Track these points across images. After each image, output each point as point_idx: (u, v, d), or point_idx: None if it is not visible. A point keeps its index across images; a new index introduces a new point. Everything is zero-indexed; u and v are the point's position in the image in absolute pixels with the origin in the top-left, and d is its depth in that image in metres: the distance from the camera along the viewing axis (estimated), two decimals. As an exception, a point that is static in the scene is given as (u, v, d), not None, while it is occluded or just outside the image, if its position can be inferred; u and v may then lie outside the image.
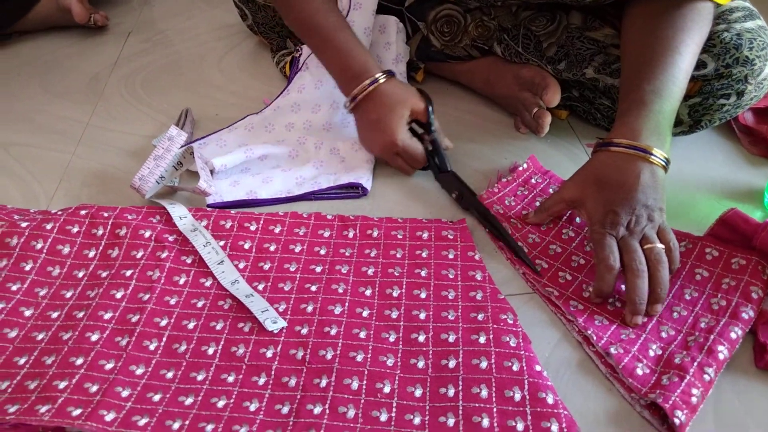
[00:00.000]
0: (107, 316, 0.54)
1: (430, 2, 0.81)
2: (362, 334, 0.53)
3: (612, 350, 0.52)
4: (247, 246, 0.62)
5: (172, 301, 0.57)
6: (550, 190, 0.69)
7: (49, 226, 0.62)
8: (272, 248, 0.62)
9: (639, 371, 0.50)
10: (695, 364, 0.50)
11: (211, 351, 0.52)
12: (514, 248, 0.61)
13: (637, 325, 0.54)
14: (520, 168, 0.71)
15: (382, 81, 0.68)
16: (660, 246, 0.55)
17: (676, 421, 0.46)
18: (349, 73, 0.69)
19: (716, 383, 0.50)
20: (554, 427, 0.46)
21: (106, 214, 0.64)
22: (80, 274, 0.59)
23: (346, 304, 0.56)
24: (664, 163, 0.57)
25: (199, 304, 0.57)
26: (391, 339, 0.53)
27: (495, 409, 0.47)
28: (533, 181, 0.70)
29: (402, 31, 0.83)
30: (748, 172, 0.72)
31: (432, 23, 0.82)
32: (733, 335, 0.53)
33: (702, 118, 0.70)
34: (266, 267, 0.60)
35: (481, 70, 0.82)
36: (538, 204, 0.67)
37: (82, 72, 0.95)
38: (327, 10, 0.71)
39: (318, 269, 0.60)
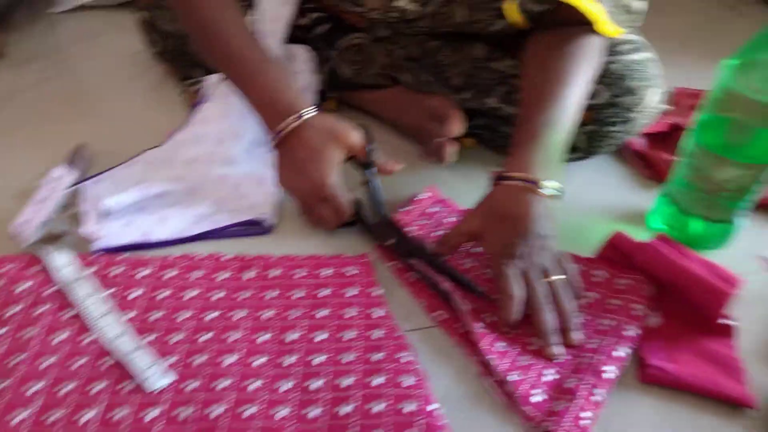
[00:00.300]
0: (-27, 381, 0.50)
1: (340, 31, 0.81)
2: (256, 385, 0.51)
3: (510, 377, 0.52)
4: (136, 294, 0.59)
5: (48, 363, 0.52)
6: (450, 219, 0.69)
7: None
8: (164, 295, 0.59)
9: (534, 398, 0.51)
10: (585, 386, 0.51)
11: (85, 419, 0.49)
12: (470, 286, 0.59)
13: (557, 357, 0.54)
14: (419, 197, 0.71)
15: (310, 115, 0.64)
16: (560, 277, 0.57)
17: None
18: (274, 108, 0.65)
19: (607, 402, 0.51)
20: (447, 473, 0.45)
21: (-19, 265, 0.59)
22: (-52, 334, 0.54)
23: (240, 353, 0.54)
24: (555, 194, 0.59)
25: (78, 365, 0.52)
26: (286, 388, 0.51)
27: (389, 457, 0.46)
28: (433, 210, 0.71)
29: (312, 60, 0.82)
30: (640, 195, 0.75)
31: (341, 52, 0.81)
32: (619, 354, 0.54)
33: (596, 145, 0.72)
34: (157, 316, 0.57)
35: (389, 100, 0.82)
36: (437, 233, 0.67)
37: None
38: (251, 44, 0.67)
39: (212, 316, 0.57)
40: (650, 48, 0.73)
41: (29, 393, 0.50)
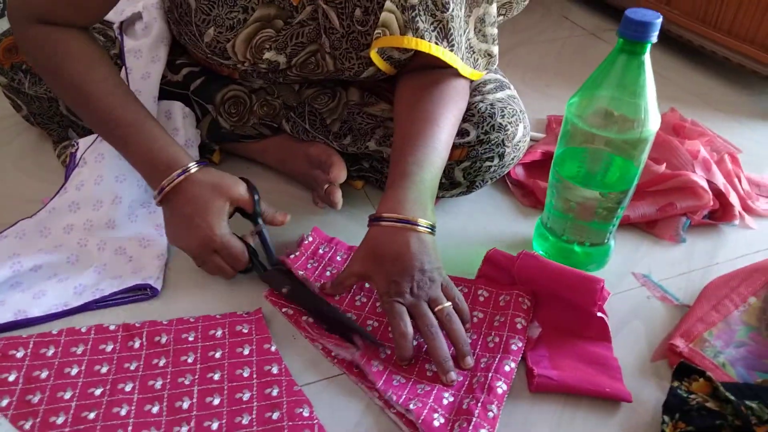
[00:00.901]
0: None
1: (215, 84, 0.81)
2: (147, 461, 0.49)
3: (411, 406, 0.53)
4: (12, 378, 0.55)
5: None
6: (338, 258, 0.71)
7: None
8: (44, 375, 0.56)
9: (436, 422, 0.53)
10: (479, 404, 0.54)
11: None
12: (362, 333, 0.60)
13: (454, 381, 0.56)
14: (306, 241, 0.72)
15: (193, 171, 0.64)
16: (447, 304, 0.59)
17: None
18: (156, 166, 0.64)
19: (501, 416, 0.54)
20: None
21: None
22: None
23: (129, 428, 0.52)
24: (429, 230, 0.61)
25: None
26: (180, 459, 0.50)
27: None
28: (321, 251, 0.72)
29: (189, 115, 0.81)
30: (522, 222, 0.80)
31: (219, 105, 0.81)
32: (507, 368, 0.58)
33: (475, 179, 0.76)
34: (35, 400, 0.54)
35: (273, 150, 0.83)
36: (328, 273, 0.69)
37: None
38: (125, 102, 0.66)
39: (98, 392, 0.55)
40: (511, 86, 0.79)
41: None
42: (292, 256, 0.69)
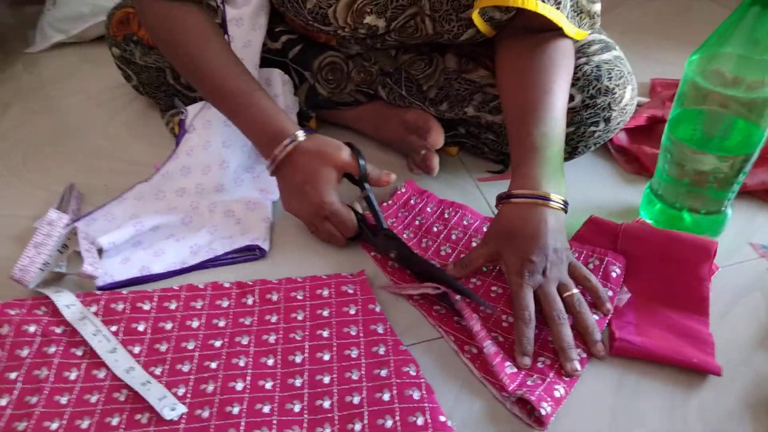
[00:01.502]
0: (-10, 427, 0.51)
1: (312, 51, 0.82)
2: (266, 409, 0.53)
3: (486, 349, 0.55)
4: (141, 328, 0.60)
5: (64, 400, 0.54)
6: (428, 209, 0.73)
7: None
8: (169, 327, 0.60)
9: (508, 369, 0.54)
10: (556, 365, 0.55)
11: (107, 451, 0.50)
12: (467, 294, 0.59)
13: (577, 371, 0.55)
14: (399, 192, 0.74)
15: (301, 139, 0.66)
16: (576, 291, 0.58)
17: (542, 411, 0.50)
18: (266, 136, 0.67)
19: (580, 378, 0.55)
20: (459, 479, 0.47)
21: (-16, 313, 0.60)
22: (-42, 384, 0.55)
23: (248, 378, 0.55)
24: (563, 206, 0.60)
25: (93, 399, 0.54)
26: (296, 409, 0.53)
27: (402, 469, 0.48)
28: (412, 202, 0.74)
29: (288, 82, 0.83)
30: (625, 190, 0.77)
31: (317, 72, 0.83)
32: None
33: (578, 146, 0.74)
34: (163, 348, 0.58)
35: (368, 116, 0.84)
36: (417, 222, 0.70)
37: (-48, 150, 0.89)
38: (237, 74, 0.69)
39: (218, 344, 0.59)
40: (616, 46, 0.75)
41: (51, 430, 0.51)
42: (384, 204, 0.71)
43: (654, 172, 0.75)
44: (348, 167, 0.67)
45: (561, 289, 0.58)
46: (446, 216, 0.72)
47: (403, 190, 0.75)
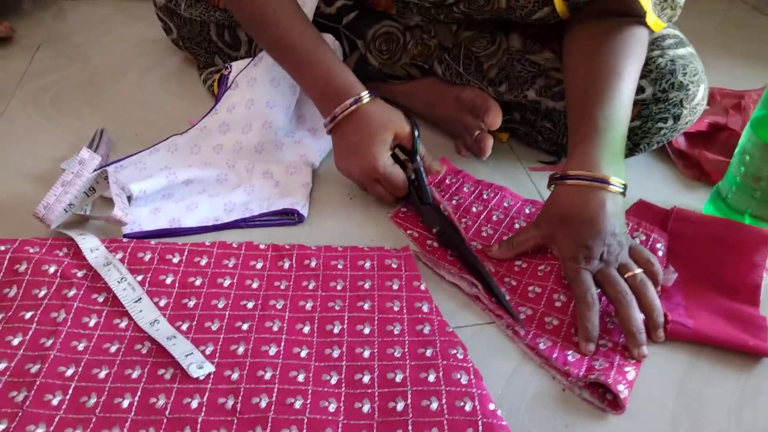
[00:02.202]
0: (1, 366, 0.47)
1: (368, 19, 0.78)
2: (300, 377, 0.48)
3: (542, 345, 0.52)
4: (169, 281, 0.56)
5: (80, 347, 0.49)
6: (465, 189, 0.70)
7: (-69, 263, 0.54)
8: (198, 282, 0.56)
9: (570, 357, 0.51)
10: (619, 346, 0.53)
11: (125, 403, 0.46)
12: (497, 295, 0.56)
13: (645, 356, 0.52)
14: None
15: (365, 101, 0.64)
16: (639, 271, 0.55)
17: (621, 395, 0.48)
18: (329, 92, 0.65)
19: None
20: (512, 473, 0.42)
21: (2, 248, 0.56)
22: (-31, 319, 0.51)
23: (282, 344, 0.51)
24: (622, 190, 0.57)
25: (113, 349, 0.50)
26: (333, 381, 0.49)
27: (448, 456, 0.43)
28: (447, 181, 0.71)
29: (338, 49, 0.80)
30: (683, 195, 0.73)
31: (370, 41, 0.79)
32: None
33: (641, 142, 0.70)
34: (191, 304, 0.54)
35: (421, 92, 0.80)
36: (454, 202, 0.68)
37: (-21, 88, 0.85)
38: (301, 28, 0.66)
39: (250, 305, 0.54)
40: (690, 44, 0.71)
41: (65, 376, 0.47)
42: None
43: (715, 178, 0.71)
44: (404, 138, 0.65)
45: (622, 270, 0.54)
46: (485, 197, 0.69)
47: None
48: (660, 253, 0.60)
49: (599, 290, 0.55)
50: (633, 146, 0.71)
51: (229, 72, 0.77)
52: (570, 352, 0.52)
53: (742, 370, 0.52)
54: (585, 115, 0.60)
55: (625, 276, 0.54)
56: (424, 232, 0.64)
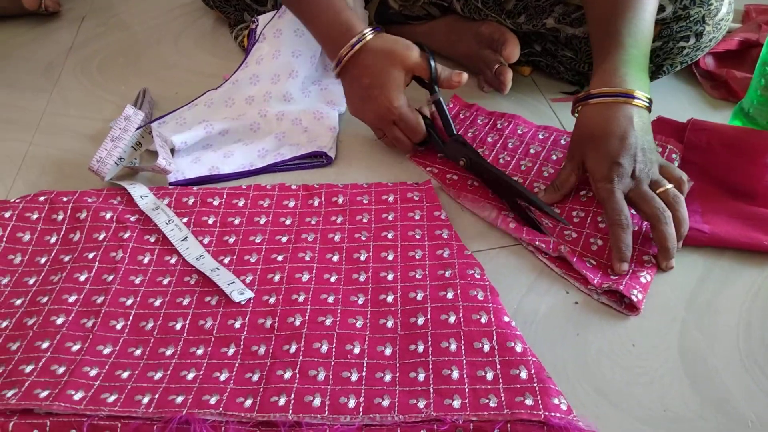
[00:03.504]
0: (71, 299, 0.54)
1: (386, -37, 0.80)
2: (330, 299, 0.53)
3: (563, 250, 0.55)
4: (210, 221, 0.61)
5: (137, 280, 0.56)
6: (479, 121, 0.72)
7: (7, 215, 0.61)
8: (236, 222, 0.61)
9: (589, 265, 0.55)
10: (634, 254, 0.55)
11: (178, 326, 0.52)
12: (538, 204, 0.57)
13: (672, 268, 0.54)
14: (447, 107, 0.71)
15: (369, 37, 0.62)
16: (671, 186, 0.55)
17: (633, 298, 0.51)
18: (333, 35, 0.63)
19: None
20: (523, 374, 0.46)
21: (65, 199, 0.63)
22: (42, 260, 0.58)
23: (314, 271, 0.56)
24: (648, 104, 0.56)
25: (165, 282, 0.56)
26: (360, 301, 0.53)
27: (464, 361, 0.47)
28: (461, 116, 0.74)
29: (358, -6, 0.81)
30: (711, 115, 0.72)
31: (389, -16, 0.80)
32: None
33: (664, 63, 0.70)
34: (231, 240, 0.60)
35: (441, 30, 0.81)
36: (470, 135, 0.70)
37: (36, 60, 0.92)
38: None
39: (284, 239, 0.59)
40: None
41: (126, 305, 0.53)
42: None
43: (742, 96, 0.70)
44: (417, 69, 0.64)
45: (653, 186, 0.55)
46: (499, 126, 0.71)
47: (451, 104, 0.75)
48: (675, 164, 0.62)
49: (632, 210, 0.56)
50: (656, 68, 0.70)
51: (256, 26, 0.80)
52: (587, 261, 0.55)
53: (752, 284, 0.54)
54: (608, 34, 0.59)
55: (657, 191, 0.54)
56: (443, 167, 0.66)
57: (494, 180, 0.62)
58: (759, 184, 0.58)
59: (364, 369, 0.48)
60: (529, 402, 0.44)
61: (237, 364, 0.49)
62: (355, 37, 0.63)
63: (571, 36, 0.72)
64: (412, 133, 0.65)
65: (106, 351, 0.50)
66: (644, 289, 0.53)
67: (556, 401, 0.44)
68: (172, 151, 0.69)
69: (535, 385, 0.45)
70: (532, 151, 0.68)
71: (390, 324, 0.51)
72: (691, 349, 0.50)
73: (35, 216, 0.61)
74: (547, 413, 0.43)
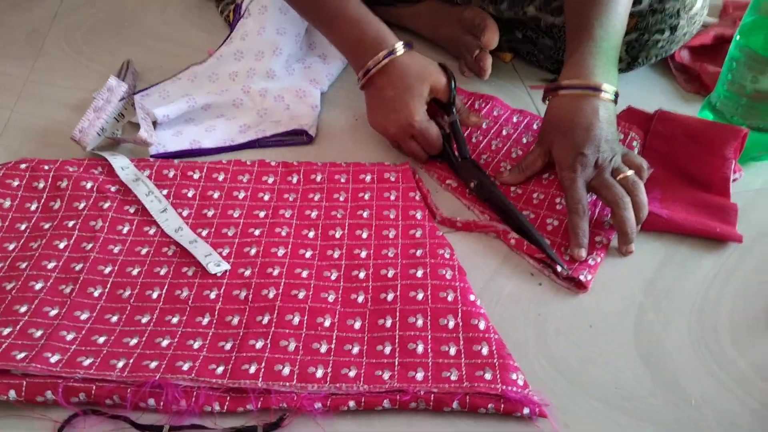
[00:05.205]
0: (50, 265, 0.55)
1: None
2: (304, 274, 0.55)
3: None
4: (190, 194, 0.63)
5: (116, 250, 0.57)
6: (476, 105, 0.73)
7: (-12, 181, 0.62)
8: (216, 195, 0.63)
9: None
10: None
11: (155, 295, 0.53)
12: (540, 244, 0.57)
13: (632, 252, 0.57)
14: None
15: (399, 53, 0.62)
16: (631, 172, 0.57)
17: (582, 278, 0.55)
18: (361, 45, 0.63)
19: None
20: (484, 350, 0.48)
21: (46, 167, 0.64)
22: (22, 227, 0.59)
23: (289, 247, 0.57)
24: (614, 98, 0.59)
25: (143, 252, 0.57)
26: (333, 277, 0.55)
27: (429, 336, 0.50)
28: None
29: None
30: (683, 107, 0.74)
31: (375, -33, 0.80)
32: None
33: (639, 55, 0.71)
34: (210, 214, 0.61)
35: (426, 14, 0.82)
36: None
37: (19, 26, 0.92)
38: None
39: (261, 214, 0.61)
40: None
41: (104, 273, 0.55)
42: None
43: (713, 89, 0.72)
44: (440, 91, 0.64)
45: (614, 173, 0.57)
46: (477, 107, 0.73)
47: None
48: (636, 150, 0.64)
49: (595, 196, 0.59)
50: (631, 60, 0.72)
51: (242, 1, 0.80)
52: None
53: (709, 272, 0.56)
54: (581, 25, 0.61)
55: (618, 178, 0.57)
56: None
57: (502, 209, 0.61)
58: (716, 175, 0.60)
59: (334, 341, 0.50)
60: (488, 376, 0.47)
61: (211, 333, 0.50)
62: (386, 50, 0.62)
63: (551, 24, 0.74)
64: (430, 146, 0.65)
65: (83, 317, 0.51)
66: (593, 269, 0.56)
67: (513, 376, 0.47)
68: (155, 123, 0.70)
69: (495, 360, 0.48)
70: (504, 132, 0.70)
71: (361, 299, 0.53)
72: (646, 331, 0.52)
73: (16, 183, 0.62)
74: (504, 387, 0.46)
